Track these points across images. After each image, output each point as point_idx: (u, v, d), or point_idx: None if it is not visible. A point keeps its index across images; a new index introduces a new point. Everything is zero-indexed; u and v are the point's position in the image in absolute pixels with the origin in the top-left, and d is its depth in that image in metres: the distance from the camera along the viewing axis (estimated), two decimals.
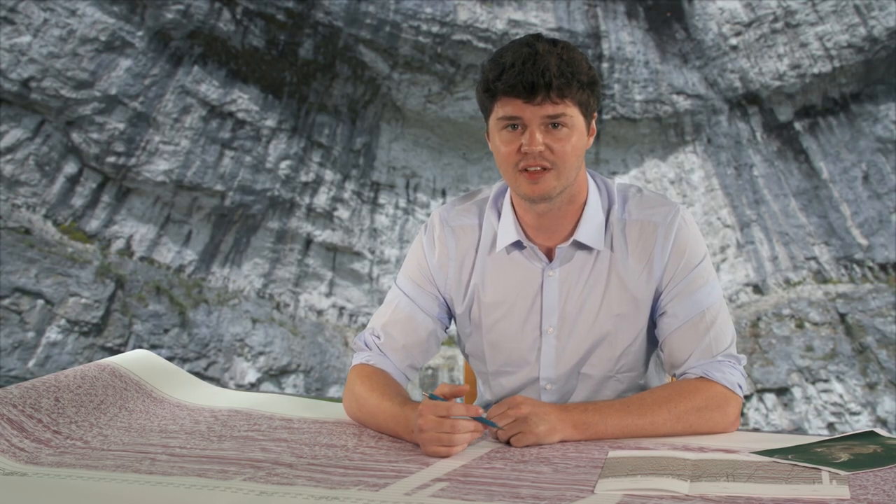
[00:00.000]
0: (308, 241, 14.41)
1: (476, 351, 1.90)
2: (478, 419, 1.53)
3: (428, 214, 1.96)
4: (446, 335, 1.93)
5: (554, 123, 1.63)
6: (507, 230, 1.80)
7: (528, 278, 1.81)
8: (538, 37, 1.66)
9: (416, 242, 1.91)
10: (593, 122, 1.71)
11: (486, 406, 1.97)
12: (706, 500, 1.26)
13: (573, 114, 1.64)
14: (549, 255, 1.80)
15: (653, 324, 1.81)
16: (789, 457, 1.46)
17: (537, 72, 1.58)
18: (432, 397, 1.54)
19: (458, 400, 1.59)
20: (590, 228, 1.76)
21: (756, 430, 1.78)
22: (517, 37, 1.72)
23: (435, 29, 14.91)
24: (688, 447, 1.55)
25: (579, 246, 1.78)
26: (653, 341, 1.84)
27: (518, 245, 1.80)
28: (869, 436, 1.57)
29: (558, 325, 1.80)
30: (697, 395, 1.66)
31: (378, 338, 1.85)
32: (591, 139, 1.72)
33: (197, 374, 2.04)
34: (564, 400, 1.85)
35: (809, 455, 1.47)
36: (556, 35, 1.76)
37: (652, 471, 1.39)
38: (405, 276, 1.89)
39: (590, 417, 1.61)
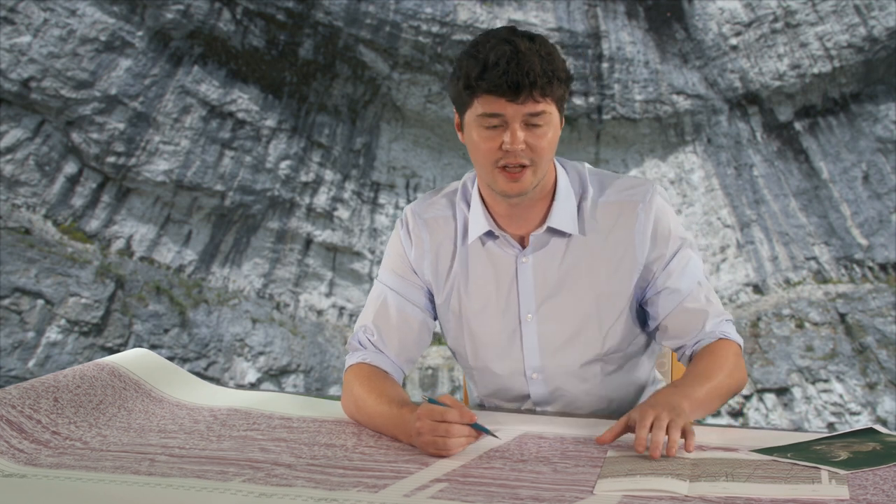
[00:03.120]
0: (308, 241, 14.41)
1: (458, 345, 1.90)
2: (472, 425, 1.52)
3: None
4: (436, 325, 1.93)
5: (534, 122, 1.63)
6: (478, 221, 1.81)
7: (503, 267, 1.81)
8: (514, 31, 1.65)
9: (392, 238, 1.92)
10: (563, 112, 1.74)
11: (480, 407, 1.96)
12: (705, 501, 1.26)
13: (552, 110, 1.65)
14: (522, 242, 1.80)
15: (637, 304, 1.82)
16: (788, 455, 1.46)
17: (522, 72, 1.58)
18: (431, 401, 1.54)
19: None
20: (562, 214, 1.77)
21: (757, 428, 1.78)
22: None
23: (435, 29, 14.91)
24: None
25: (553, 232, 1.78)
26: (639, 319, 1.85)
27: (490, 235, 1.81)
28: (868, 433, 1.56)
29: (537, 312, 1.81)
30: (729, 352, 1.72)
31: (371, 334, 1.85)
32: (560, 128, 1.74)
33: (197, 374, 2.03)
34: (552, 388, 1.85)
35: (808, 453, 1.47)
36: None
37: (651, 471, 1.38)
38: (387, 271, 1.89)
39: (684, 390, 1.60)
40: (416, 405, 1.62)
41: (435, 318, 1.92)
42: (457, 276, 1.84)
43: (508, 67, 1.58)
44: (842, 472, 1.37)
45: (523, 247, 1.80)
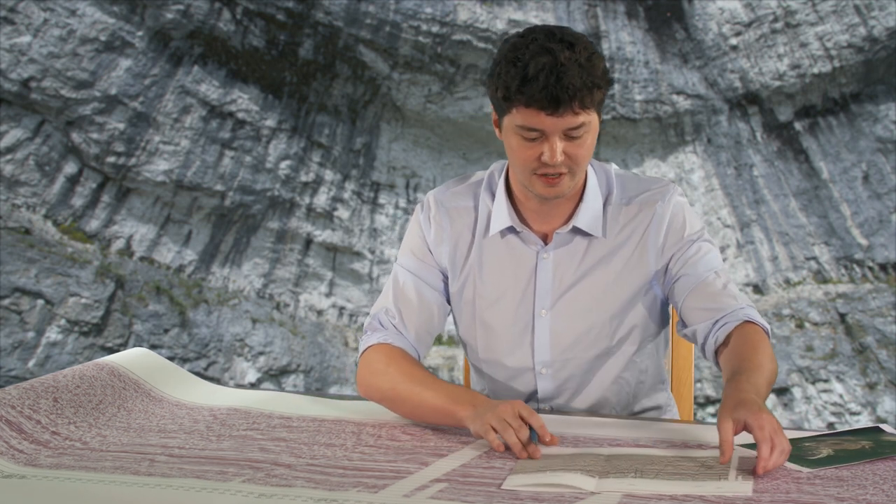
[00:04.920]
0: (308, 241, 14.41)
1: (469, 336, 1.91)
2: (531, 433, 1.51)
3: None
4: (450, 308, 1.93)
5: (573, 135, 1.63)
6: (501, 215, 1.81)
7: (523, 261, 1.82)
8: (553, 34, 1.62)
9: (412, 222, 1.93)
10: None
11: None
12: (705, 501, 1.26)
13: (591, 119, 1.64)
14: (545, 239, 1.81)
15: (652, 302, 1.83)
16: None
17: (562, 87, 1.56)
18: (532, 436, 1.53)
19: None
20: (588, 215, 1.78)
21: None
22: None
23: (435, 29, 14.90)
24: (695, 445, 1.54)
25: (577, 231, 1.79)
26: (653, 319, 1.85)
27: (512, 229, 1.82)
28: (871, 431, 1.56)
29: (552, 308, 1.81)
30: (761, 337, 1.65)
31: (394, 317, 1.85)
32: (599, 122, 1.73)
33: (197, 374, 2.03)
34: (559, 384, 1.85)
35: (791, 448, 1.47)
36: (574, 33, 1.71)
37: (562, 467, 1.39)
38: (407, 253, 1.90)
39: (753, 389, 1.48)
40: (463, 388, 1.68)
41: (449, 302, 1.93)
42: (473, 266, 1.85)
43: (548, 82, 1.56)
44: (805, 469, 1.37)
45: (545, 243, 1.80)
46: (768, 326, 1.70)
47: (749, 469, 1.37)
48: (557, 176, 1.65)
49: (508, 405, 1.52)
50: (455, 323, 1.95)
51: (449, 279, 1.89)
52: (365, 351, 1.83)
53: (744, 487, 1.30)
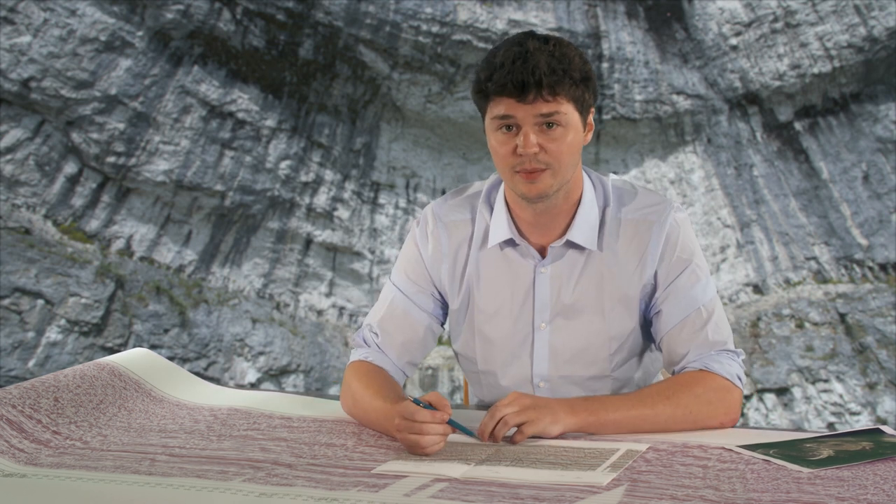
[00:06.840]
0: (308, 241, 14.41)
1: (467, 349, 1.90)
2: (450, 422, 1.53)
3: None
4: (442, 330, 1.93)
5: (548, 123, 1.62)
6: (500, 227, 1.80)
7: (521, 274, 1.81)
8: (530, 34, 1.65)
9: (409, 237, 1.91)
10: (590, 118, 1.70)
11: (481, 408, 1.96)
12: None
13: (567, 111, 1.62)
14: (542, 252, 1.80)
15: (646, 321, 1.81)
16: (771, 452, 1.46)
17: (527, 70, 1.58)
18: (415, 401, 1.54)
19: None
20: (583, 228, 1.77)
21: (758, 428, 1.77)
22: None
23: (435, 29, 14.91)
24: (687, 444, 1.54)
25: (572, 245, 1.78)
26: (647, 338, 1.84)
27: (510, 242, 1.81)
28: (872, 433, 1.56)
29: (551, 322, 1.81)
30: (697, 384, 1.66)
31: (376, 335, 1.86)
32: (589, 135, 1.71)
33: (197, 374, 2.03)
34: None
35: (792, 450, 1.47)
36: (555, 35, 1.72)
37: (447, 456, 1.43)
38: (400, 272, 1.89)
39: (592, 406, 1.60)
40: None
41: (442, 324, 1.92)
42: (471, 279, 1.84)
43: (514, 67, 1.58)
44: (805, 470, 1.37)
45: (542, 256, 1.80)
46: (732, 374, 1.69)
47: (622, 465, 1.38)
48: (535, 172, 1.64)
49: (396, 418, 1.54)
50: (451, 336, 1.94)
51: (449, 294, 1.88)
52: (347, 367, 1.86)
53: (600, 479, 1.31)
